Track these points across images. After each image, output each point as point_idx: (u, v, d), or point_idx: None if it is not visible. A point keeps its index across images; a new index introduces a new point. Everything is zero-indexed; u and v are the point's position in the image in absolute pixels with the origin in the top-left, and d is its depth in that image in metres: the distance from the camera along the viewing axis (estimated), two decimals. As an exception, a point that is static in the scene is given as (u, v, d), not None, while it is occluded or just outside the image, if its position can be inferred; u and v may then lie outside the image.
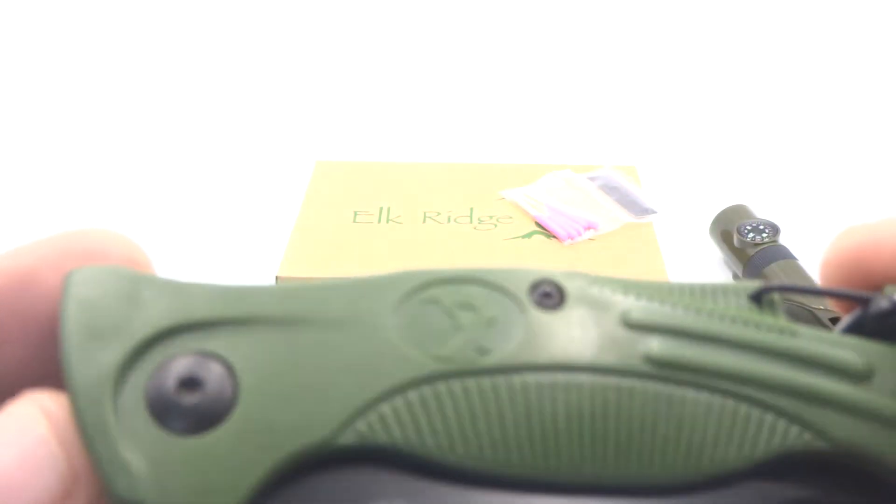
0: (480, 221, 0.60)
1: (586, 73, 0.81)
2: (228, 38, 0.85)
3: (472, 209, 0.61)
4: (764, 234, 0.58)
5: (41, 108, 0.76)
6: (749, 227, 0.59)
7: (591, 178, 0.64)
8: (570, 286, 0.16)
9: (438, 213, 0.61)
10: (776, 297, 0.17)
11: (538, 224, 0.60)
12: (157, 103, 0.77)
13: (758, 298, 0.17)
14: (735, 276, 0.58)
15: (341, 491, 0.15)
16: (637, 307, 0.16)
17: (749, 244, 0.58)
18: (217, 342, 0.15)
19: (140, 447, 0.14)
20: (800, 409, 0.15)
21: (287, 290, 0.16)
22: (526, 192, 0.62)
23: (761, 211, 0.61)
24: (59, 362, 0.15)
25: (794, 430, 0.15)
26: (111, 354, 0.15)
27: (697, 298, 0.17)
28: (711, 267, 0.61)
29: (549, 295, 0.16)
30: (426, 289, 0.16)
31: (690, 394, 0.15)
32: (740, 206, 0.61)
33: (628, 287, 0.16)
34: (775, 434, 0.15)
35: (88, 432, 0.14)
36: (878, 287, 0.17)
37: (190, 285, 0.16)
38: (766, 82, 0.80)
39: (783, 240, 0.58)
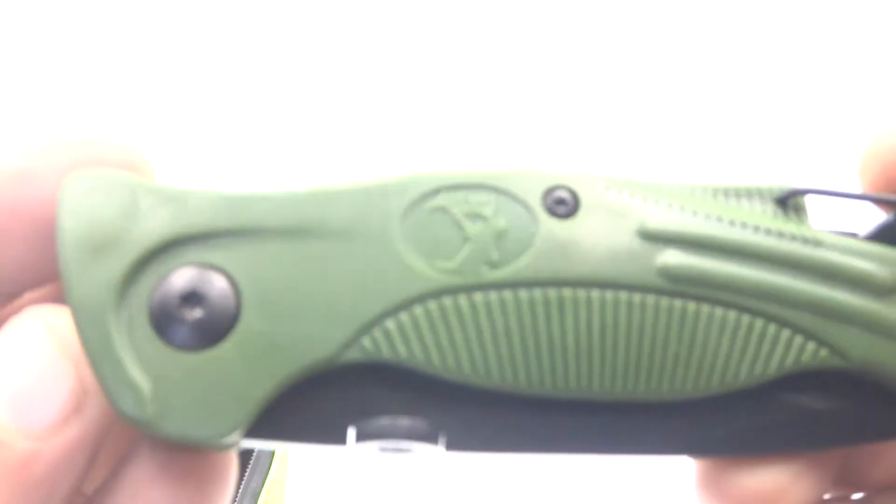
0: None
1: (586, 75, 0.82)
2: (230, 42, 0.86)
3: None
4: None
5: (41, 115, 0.76)
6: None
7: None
8: (585, 192, 0.16)
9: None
10: (803, 201, 0.16)
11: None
12: (158, 106, 0.77)
13: (784, 202, 0.16)
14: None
15: (345, 405, 0.15)
16: (654, 216, 0.15)
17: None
18: (219, 254, 0.15)
19: (144, 364, 0.14)
20: (818, 325, 0.15)
21: (290, 198, 0.15)
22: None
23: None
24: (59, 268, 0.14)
25: (811, 346, 0.15)
26: (111, 269, 0.14)
27: (720, 202, 0.16)
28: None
29: (563, 201, 0.16)
30: (435, 195, 0.15)
31: (705, 309, 0.15)
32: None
33: (647, 191, 0.16)
34: (790, 351, 0.15)
35: (91, 350, 0.14)
36: None
37: (189, 193, 0.15)
38: (764, 84, 0.80)
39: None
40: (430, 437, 0.15)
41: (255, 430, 0.15)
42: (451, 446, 0.15)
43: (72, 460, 0.14)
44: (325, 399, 0.15)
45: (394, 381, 0.15)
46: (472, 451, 0.15)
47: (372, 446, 0.15)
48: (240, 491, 0.39)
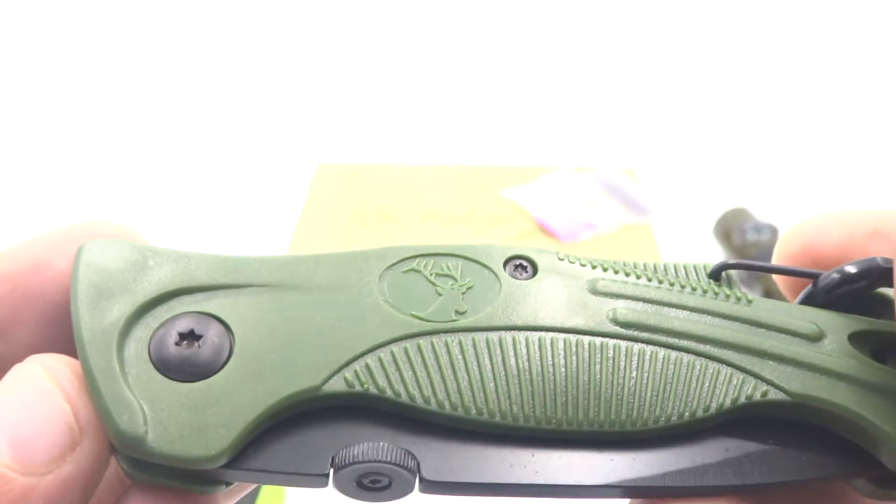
0: (480, 221, 0.60)
1: (587, 76, 0.82)
2: (231, 45, 0.86)
3: (471, 209, 0.61)
4: (763, 235, 0.59)
5: (47, 119, 0.77)
6: (750, 228, 0.60)
7: (591, 179, 0.64)
8: (542, 260, 0.18)
9: (438, 214, 0.61)
10: (733, 273, 0.18)
11: (538, 224, 0.60)
12: (160, 109, 0.77)
13: (717, 276, 0.18)
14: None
15: (329, 435, 0.16)
16: (603, 277, 0.18)
17: (750, 245, 0.59)
18: (215, 304, 0.16)
19: (142, 391, 0.15)
20: (755, 364, 0.17)
21: (280, 260, 0.17)
22: (526, 192, 0.62)
23: (760, 213, 0.62)
24: (70, 339, 0.16)
25: (751, 382, 0.16)
26: (118, 310, 0.16)
27: (661, 273, 0.18)
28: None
29: (523, 267, 0.18)
30: (410, 261, 0.17)
31: (652, 350, 0.17)
32: (741, 208, 0.62)
33: (595, 262, 0.18)
34: (732, 386, 0.16)
35: (94, 376, 0.15)
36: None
37: (192, 254, 0.17)
38: (763, 87, 0.80)
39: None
40: (406, 462, 0.16)
41: (241, 461, 0.15)
42: (425, 474, 0.16)
43: (66, 496, 0.15)
44: (308, 433, 0.16)
45: (373, 419, 0.16)
46: (445, 480, 0.16)
47: (351, 474, 0.16)
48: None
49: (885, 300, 0.18)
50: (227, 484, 0.16)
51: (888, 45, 0.83)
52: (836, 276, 0.18)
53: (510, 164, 0.68)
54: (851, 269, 0.18)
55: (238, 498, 0.19)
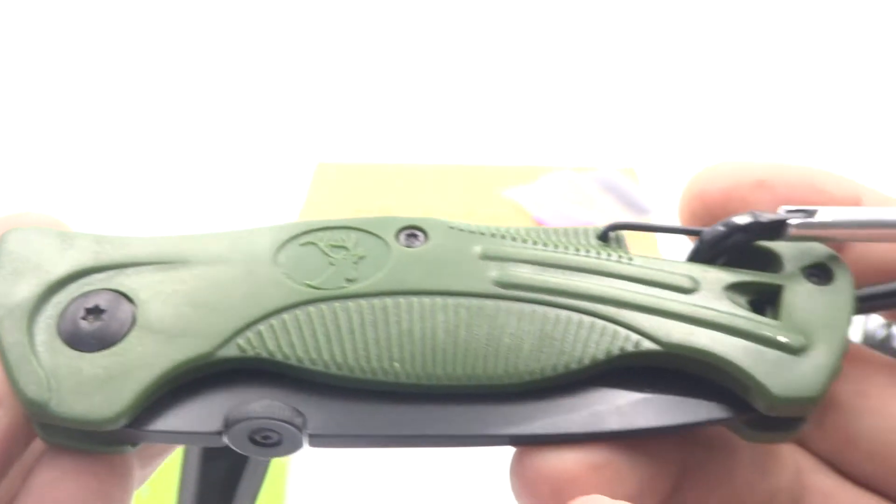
0: (480, 221, 0.60)
1: (587, 76, 0.82)
2: (231, 42, 0.86)
3: (471, 209, 0.61)
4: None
5: (44, 115, 0.77)
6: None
7: (591, 179, 0.64)
8: (433, 229, 0.19)
9: (438, 214, 0.61)
10: (621, 233, 0.20)
11: (538, 224, 0.60)
12: (159, 106, 0.77)
13: (605, 237, 0.20)
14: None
15: (225, 397, 0.17)
16: (490, 243, 0.19)
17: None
18: (121, 281, 0.18)
19: (49, 362, 0.17)
20: (628, 316, 0.18)
21: (186, 237, 0.19)
22: (526, 192, 0.63)
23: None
24: None
25: (623, 332, 0.17)
26: (29, 290, 0.17)
27: (550, 237, 0.19)
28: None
29: (415, 236, 0.19)
30: (307, 234, 0.19)
31: (532, 308, 0.18)
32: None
33: (485, 229, 0.19)
34: (605, 337, 0.17)
35: (4, 349, 0.17)
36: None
37: (104, 237, 0.18)
38: (764, 87, 0.80)
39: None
40: (292, 418, 0.17)
41: (141, 422, 0.17)
42: (312, 429, 0.17)
43: None
44: (206, 396, 0.17)
45: (268, 381, 0.17)
46: (332, 435, 0.17)
47: (242, 431, 0.17)
48: (237, 492, 0.39)
49: (768, 253, 0.19)
50: (133, 445, 0.17)
51: (886, 44, 0.83)
52: (720, 228, 0.19)
53: (510, 164, 0.68)
54: (734, 222, 0.19)
55: (152, 466, 0.20)
